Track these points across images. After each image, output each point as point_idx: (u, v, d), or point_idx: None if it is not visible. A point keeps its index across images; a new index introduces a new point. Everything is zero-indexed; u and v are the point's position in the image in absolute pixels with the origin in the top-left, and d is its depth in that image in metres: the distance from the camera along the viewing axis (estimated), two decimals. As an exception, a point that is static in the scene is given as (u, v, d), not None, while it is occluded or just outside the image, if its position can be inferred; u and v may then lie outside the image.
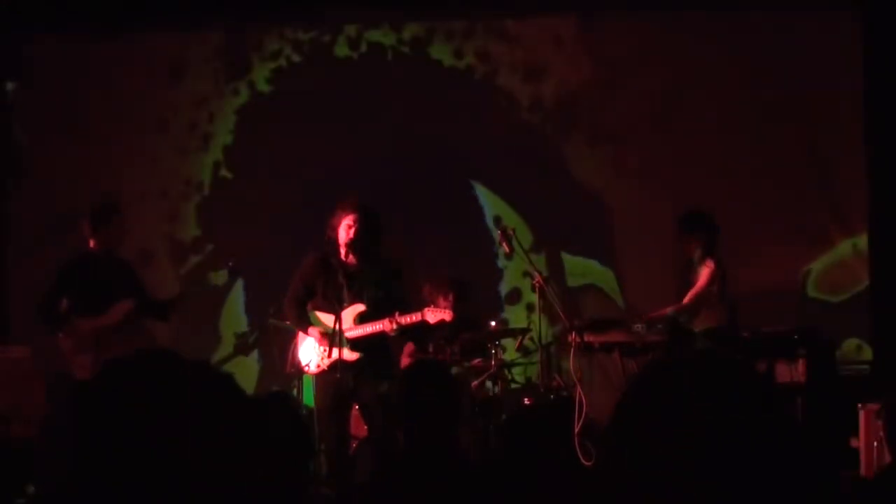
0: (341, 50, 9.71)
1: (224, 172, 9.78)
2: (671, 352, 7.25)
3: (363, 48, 9.69)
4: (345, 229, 6.85)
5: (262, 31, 9.75)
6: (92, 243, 7.59)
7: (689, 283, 7.50)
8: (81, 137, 9.76)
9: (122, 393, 2.40)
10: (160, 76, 9.78)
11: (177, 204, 9.79)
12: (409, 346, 7.97)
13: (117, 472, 2.29)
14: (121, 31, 9.63)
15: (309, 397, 7.40)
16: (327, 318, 6.88)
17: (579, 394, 7.16)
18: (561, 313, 7.46)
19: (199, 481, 2.64)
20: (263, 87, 9.76)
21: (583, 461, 7.31)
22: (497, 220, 9.31)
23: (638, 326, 7.15)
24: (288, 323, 7.30)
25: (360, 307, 6.86)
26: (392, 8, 9.59)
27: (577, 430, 7.18)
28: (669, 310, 7.50)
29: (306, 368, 7.06)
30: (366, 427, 7.23)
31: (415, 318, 6.84)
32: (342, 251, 6.89)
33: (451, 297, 7.91)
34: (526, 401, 7.83)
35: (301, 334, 7.09)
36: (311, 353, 6.99)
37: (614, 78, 9.38)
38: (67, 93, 9.78)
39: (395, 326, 6.77)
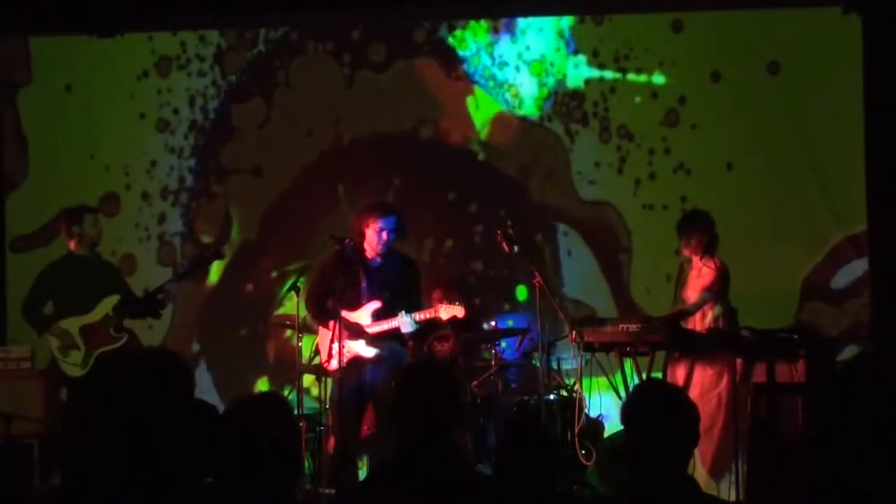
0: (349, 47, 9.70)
1: (222, 172, 9.78)
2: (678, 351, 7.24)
3: (363, 44, 9.69)
4: (375, 232, 6.90)
5: (264, 25, 9.74)
6: (72, 245, 7.65)
7: (688, 284, 7.49)
8: (79, 136, 9.76)
9: (115, 389, 2.40)
10: (155, 74, 9.77)
11: (175, 204, 9.77)
12: (409, 347, 7.98)
13: (110, 469, 2.30)
14: (118, 29, 9.64)
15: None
16: (347, 315, 6.92)
17: (579, 394, 7.16)
18: (561, 313, 7.46)
19: (190, 479, 2.65)
20: (261, 83, 9.76)
21: (583, 461, 7.31)
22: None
23: (637, 326, 7.13)
24: (310, 317, 7.30)
25: (377, 304, 6.89)
26: (397, 5, 9.60)
27: (577, 430, 7.18)
28: (676, 312, 7.45)
29: (326, 364, 7.06)
30: (367, 427, 7.25)
31: (429, 314, 6.89)
32: (369, 251, 6.93)
33: (438, 297, 7.89)
34: (526, 401, 7.82)
35: (322, 330, 7.11)
36: (329, 348, 6.99)
37: (618, 76, 9.38)
38: (64, 91, 9.78)
39: (410, 322, 6.80)
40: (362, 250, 6.95)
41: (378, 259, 6.97)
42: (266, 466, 3.08)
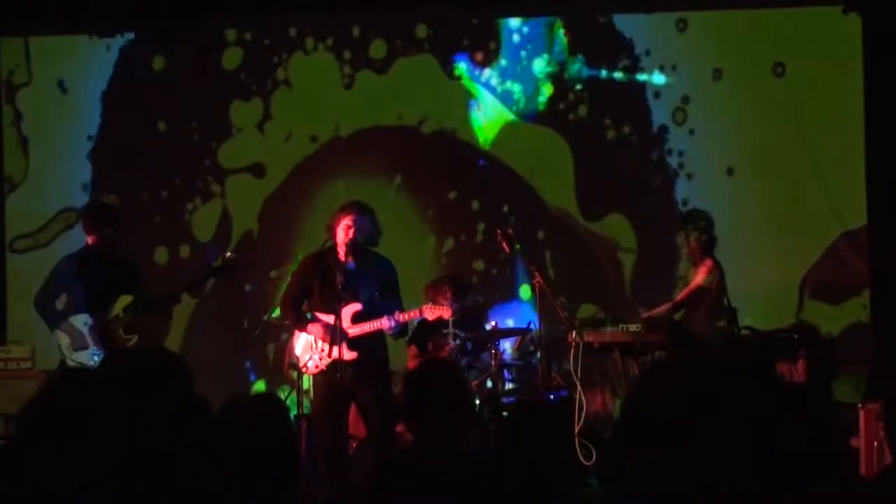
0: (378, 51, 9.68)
1: (220, 171, 9.77)
2: (674, 353, 7.24)
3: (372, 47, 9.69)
4: (343, 230, 6.86)
5: (263, 23, 9.74)
6: (90, 240, 7.58)
7: (687, 283, 7.53)
8: (79, 136, 9.76)
9: (106, 390, 2.40)
10: (154, 72, 9.77)
11: (173, 204, 9.76)
12: (412, 349, 7.98)
13: (103, 467, 2.29)
14: (118, 29, 9.66)
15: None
16: (325, 318, 6.89)
17: (579, 394, 7.17)
18: (560, 313, 7.47)
19: (187, 480, 2.64)
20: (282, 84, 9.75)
21: (583, 461, 7.31)
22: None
23: (636, 327, 7.15)
24: (287, 322, 7.30)
25: (357, 306, 6.86)
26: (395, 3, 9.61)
27: (577, 430, 7.18)
28: (663, 308, 7.52)
29: (304, 368, 7.05)
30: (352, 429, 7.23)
31: (413, 314, 6.86)
32: (341, 251, 6.90)
33: (448, 295, 7.91)
34: (526, 401, 7.82)
35: (297, 334, 7.08)
36: (308, 352, 6.98)
37: (619, 75, 9.37)
38: (64, 90, 9.78)
39: (392, 325, 6.77)
40: (336, 251, 6.93)
41: (353, 261, 6.91)
42: (263, 467, 3.07)
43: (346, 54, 9.63)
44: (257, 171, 9.71)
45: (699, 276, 7.39)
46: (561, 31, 9.44)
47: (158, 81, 9.75)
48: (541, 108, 9.44)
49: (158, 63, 9.76)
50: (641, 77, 9.33)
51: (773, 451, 1.55)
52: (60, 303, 7.60)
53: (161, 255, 9.68)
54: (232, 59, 9.74)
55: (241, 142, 9.73)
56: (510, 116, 9.49)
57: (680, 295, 7.46)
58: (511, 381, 8.11)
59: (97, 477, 2.23)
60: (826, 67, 9.09)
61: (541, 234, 9.37)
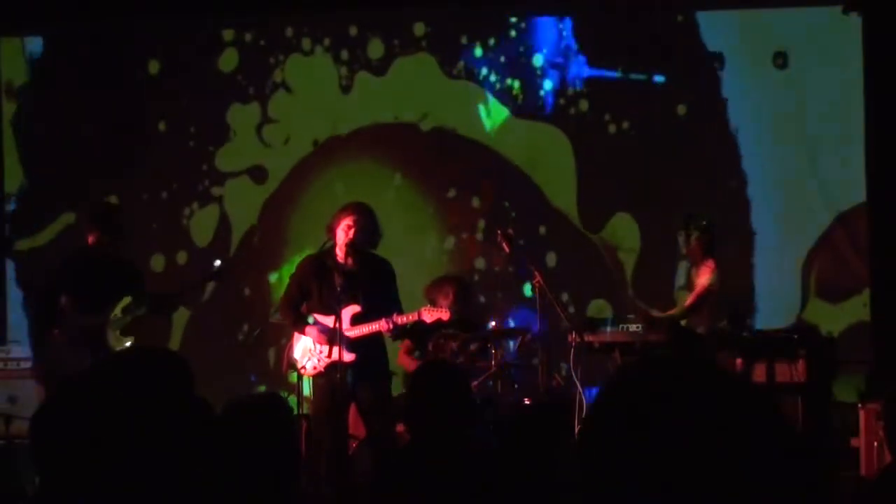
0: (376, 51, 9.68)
1: (218, 174, 9.76)
2: (672, 353, 7.24)
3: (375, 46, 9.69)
4: (343, 230, 6.86)
5: (262, 23, 9.74)
6: (92, 240, 7.55)
7: (690, 284, 7.53)
8: (78, 137, 9.75)
9: (109, 391, 2.40)
10: (156, 73, 9.76)
11: (172, 211, 9.75)
12: (405, 344, 7.98)
13: (102, 471, 2.29)
14: (118, 29, 9.66)
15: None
16: (324, 320, 6.89)
17: (579, 394, 7.17)
18: (561, 313, 7.47)
19: (187, 480, 2.64)
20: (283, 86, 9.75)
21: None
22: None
23: (636, 327, 7.16)
24: (286, 324, 7.31)
25: (356, 308, 6.87)
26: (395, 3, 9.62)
27: (577, 430, 7.18)
28: (674, 311, 7.51)
29: (303, 370, 7.05)
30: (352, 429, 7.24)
31: (411, 317, 6.87)
32: (340, 253, 6.90)
33: (450, 296, 7.92)
34: (526, 401, 7.83)
35: (296, 335, 7.09)
36: (307, 354, 6.98)
37: (619, 74, 9.37)
38: (67, 90, 9.79)
39: (391, 327, 6.78)
40: (335, 253, 6.93)
41: (352, 262, 6.91)
42: (265, 466, 3.07)
43: (344, 54, 9.62)
44: (256, 174, 9.70)
45: (703, 278, 7.38)
46: (561, 26, 9.45)
47: (155, 84, 9.74)
48: (540, 103, 9.44)
49: (154, 66, 9.75)
50: (642, 76, 9.32)
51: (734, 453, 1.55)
52: (60, 302, 7.59)
53: (157, 261, 9.64)
54: (228, 61, 9.74)
55: (238, 145, 9.72)
56: (510, 113, 9.48)
57: (689, 299, 7.43)
58: (511, 380, 8.11)
59: (97, 478, 2.23)
60: (826, 66, 9.08)
61: (542, 230, 9.36)
